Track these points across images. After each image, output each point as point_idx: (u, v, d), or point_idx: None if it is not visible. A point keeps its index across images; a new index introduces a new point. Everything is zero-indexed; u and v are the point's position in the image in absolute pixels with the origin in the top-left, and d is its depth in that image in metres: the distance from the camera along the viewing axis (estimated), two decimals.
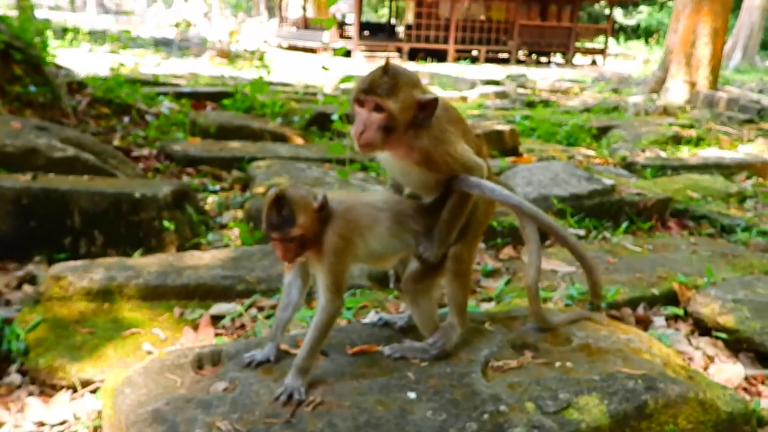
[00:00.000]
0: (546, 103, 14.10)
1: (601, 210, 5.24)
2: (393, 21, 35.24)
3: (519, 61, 30.12)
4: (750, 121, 11.68)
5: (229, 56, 19.11)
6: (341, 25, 31.05)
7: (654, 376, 2.25)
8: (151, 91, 9.42)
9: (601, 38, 33.93)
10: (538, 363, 2.32)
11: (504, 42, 30.35)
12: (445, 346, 2.29)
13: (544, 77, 21.27)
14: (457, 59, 28.45)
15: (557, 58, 32.13)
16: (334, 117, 4.75)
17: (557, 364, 2.31)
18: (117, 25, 29.72)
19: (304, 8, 33.93)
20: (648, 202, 5.36)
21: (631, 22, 46.54)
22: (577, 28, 32.00)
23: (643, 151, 8.78)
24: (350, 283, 3.39)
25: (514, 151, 7.76)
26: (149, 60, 14.30)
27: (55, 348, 2.79)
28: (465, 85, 16.97)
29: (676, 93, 13.86)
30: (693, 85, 13.84)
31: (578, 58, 32.82)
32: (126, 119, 7.53)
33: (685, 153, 9.00)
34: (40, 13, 20.16)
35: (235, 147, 6.45)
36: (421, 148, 2.12)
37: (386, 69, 2.04)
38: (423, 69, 22.01)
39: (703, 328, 3.34)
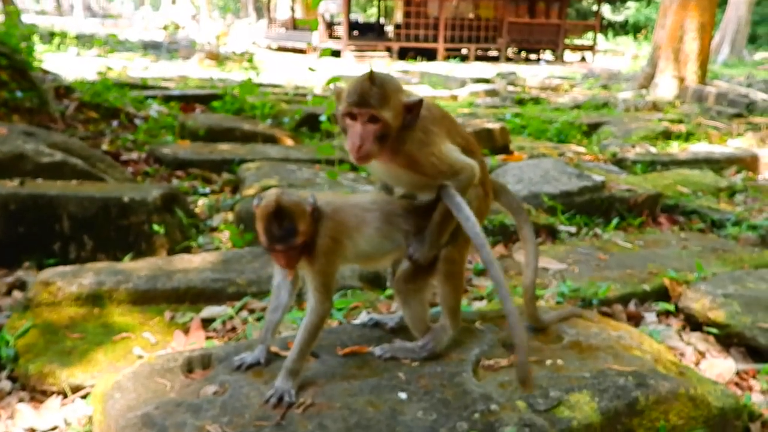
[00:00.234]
0: (536, 101, 14.12)
1: (592, 206, 5.26)
2: (382, 20, 35.23)
3: (509, 59, 30.16)
4: (739, 115, 11.73)
5: (218, 58, 19.06)
6: (330, 25, 30.99)
7: (644, 373, 2.26)
8: (139, 94, 9.40)
9: (590, 35, 34.02)
10: (529, 361, 2.32)
11: (493, 40, 30.38)
12: (435, 348, 2.28)
13: (534, 75, 21.30)
14: (447, 58, 28.46)
15: (547, 55, 32.20)
16: (323, 118, 4.75)
17: (548, 362, 2.32)
18: (104, 29, 29.57)
19: (292, 9, 33.90)
20: (638, 198, 5.38)
21: (619, 18, 46.69)
22: (566, 24, 32.07)
23: (633, 146, 8.81)
24: (341, 284, 3.38)
25: (505, 149, 7.77)
26: (138, 63, 14.25)
27: (45, 354, 2.77)
28: (455, 83, 16.97)
29: (665, 88, 13.89)
30: (682, 80, 13.87)
31: (567, 55, 32.89)
32: (114, 123, 7.49)
33: (675, 148, 9.03)
34: (26, 18, 20.06)
35: (225, 149, 6.43)
36: (406, 152, 2.11)
37: (373, 78, 2.02)
38: (413, 68, 22.04)
39: (694, 323, 3.35)
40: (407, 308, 2.30)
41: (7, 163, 4.56)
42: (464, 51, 29.57)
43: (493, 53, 30.97)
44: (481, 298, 3.51)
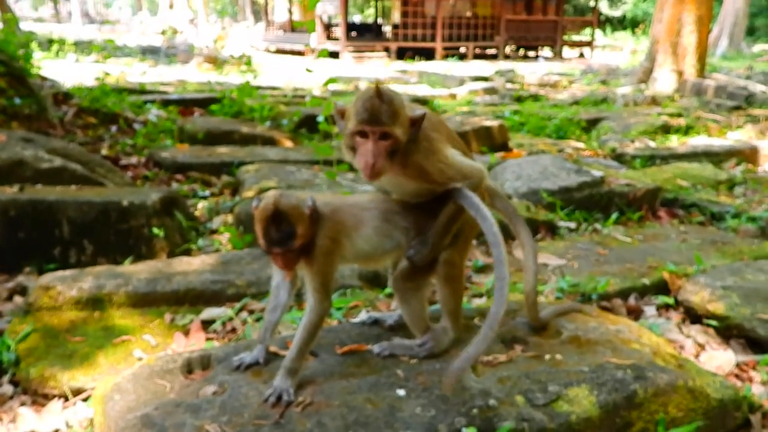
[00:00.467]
0: (535, 98, 14.12)
1: (591, 202, 5.26)
2: (380, 21, 35.23)
3: (507, 57, 30.16)
4: (738, 108, 11.73)
5: (217, 62, 19.07)
6: (328, 26, 31.00)
7: (643, 366, 2.26)
8: (138, 99, 9.41)
9: (588, 31, 34.00)
10: (528, 356, 2.33)
11: (491, 38, 30.37)
12: (434, 349, 2.29)
13: (533, 71, 21.32)
14: (445, 57, 28.46)
15: (545, 51, 32.20)
16: (320, 119, 4.76)
17: (547, 357, 2.32)
18: (101, 35, 29.60)
19: (290, 12, 33.90)
20: (637, 192, 5.38)
21: (617, 13, 46.64)
22: (564, 21, 32.06)
23: (633, 141, 8.81)
24: (341, 283, 3.39)
25: (504, 147, 7.77)
26: (136, 68, 14.27)
27: (45, 357, 2.79)
28: (454, 82, 16.97)
29: (663, 82, 13.89)
30: (680, 73, 13.87)
31: (566, 51, 32.88)
32: (113, 128, 7.51)
33: (675, 142, 9.03)
34: (25, 26, 20.08)
35: (224, 152, 6.44)
36: (414, 163, 2.11)
37: (381, 95, 2.00)
38: (411, 68, 22.04)
39: (693, 316, 3.35)
40: (406, 306, 2.30)
41: (6, 170, 4.57)
42: (462, 50, 29.56)
43: (491, 51, 30.96)
44: (481, 295, 3.51)
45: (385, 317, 2.54)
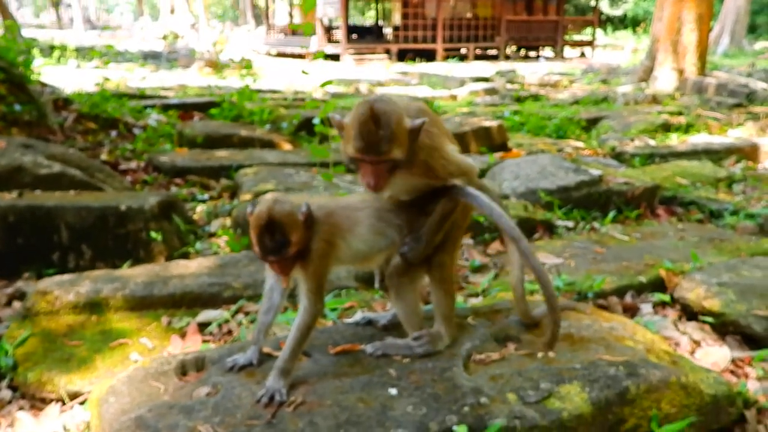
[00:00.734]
0: (535, 98, 14.14)
1: (589, 201, 5.26)
2: (381, 23, 35.26)
3: (508, 57, 30.16)
4: (739, 105, 11.72)
5: (218, 66, 19.12)
6: (329, 29, 31.03)
7: (635, 362, 2.26)
8: (138, 104, 9.44)
9: (589, 30, 33.98)
10: (521, 354, 2.34)
11: (492, 38, 30.38)
12: (427, 350, 2.29)
13: (534, 72, 21.32)
14: (446, 58, 28.47)
15: (546, 51, 32.19)
16: (316, 121, 4.78)
17: (539, 354, 2.33)
18: (102, 40, 29.67)
19: (290, 15, 33.97)
20: (636, 190, 5.38)
21: (617, 12, 46.59)
22: (564, 21, 32.05)
23: (632, 140, 8.81)
24: (336, 284, 3.41)
25: (503, 147, 7.78)
26: (137, 74, 14.30)
27: (43, 362, 2.80)
28: (454, 83, 16.99)
29: (664, 81, 13.88)
30: (681, 72, 13.85)
31: (567, 51, 32.86)
32: (113, 133, 7.54)
33: (675, 140, 9.03)
34: (26, 32, 20.15)
35: (223, 155, 6.46)
36: (420, 162, 2.12)
37: (376, 119, 1.97)
38: (412, 69, 22.06)
39: (689, 313, 3.35)
40: (401, 301, 2.31)
41: (5, 176, 4.60)
42: (463, 50, 29.58)
43: (492, 52, 30.97)
44: (477, 295, 3.52)
45: (378, 318, 2.55)
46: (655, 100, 12.49)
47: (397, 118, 2.02)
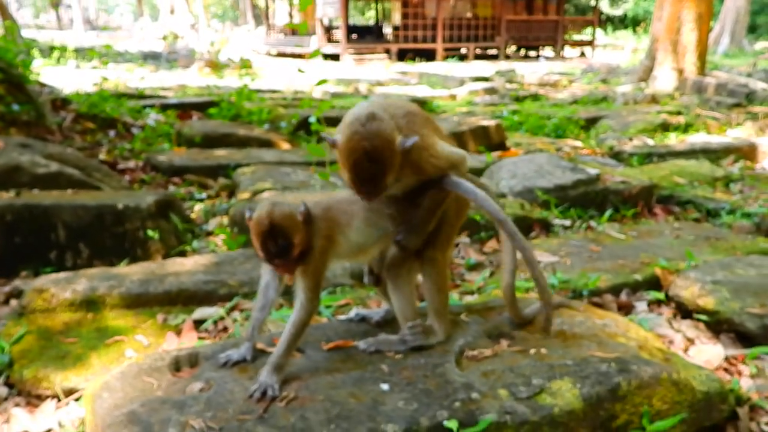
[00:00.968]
0: (535, 97, 14.14)
1: (586, 199, 5.28)
2: (380, 23, 35.26)
3: (508, 57, 30.16)
4: (738, 105, 11.73)
5: (217, 66, 19.13)
6: (329, 29, 31.04)
7: (627, 359, 2.27)
8: (137, 104, 9.46)
9: (589, 30, 33.98)
10: (513, 351, 2.35)
11: (492, 38, 30.38)
12: (420, 343, 2.30)
13: (533, 71, 21.32)
14: (446, 58, 28.48)
15: (546, 51, 32.19)
16: (312, 119, 4.78)
17: (532, 351, 2.34)
18: (101, 41, 29.67)
19: (290, 15, 33.97)
20: (632, 189, 5.39)
21: (618, 12, 46.59)
22: (564, 20, 32.04)
23: (631, 139, 8.82)
24: (332, 282, 3.42)
25: (501, 146, 7.79)
26: (137, 74, 14.31)
27: (39, 359, 2.81)
28: (454, 83, 17.00)
29: (664, 81, 13.89)
30: (680, 72, 13.86)
31: (567, 51, 32.87)
32: (112, 133, 7.55)
33: (673, 140, 9.03)
34: (26, 33, 20.17)
35: (221, 155, 6.47)
36: (409, 162, 2.13)
37: (368, 153, 1.98)
38: (412, 69, 22.06)
39: (684, 311, 3.36)
40: (397, 292, 2.33)
41: (3, 175, 4.61)
42: (463, 50, 29.58)
43: (492, 52, 30.97)
44: (472, 293, 3.53)
45: (372, 314, 2.57)
46: (654, 99, 12.49)
47: (389, 146, 2.02)
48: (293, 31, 32.37)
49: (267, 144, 7.27)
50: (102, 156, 6.50)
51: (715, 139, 8.56)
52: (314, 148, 4.63)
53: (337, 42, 29.24)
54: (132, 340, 2.96)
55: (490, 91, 14.86)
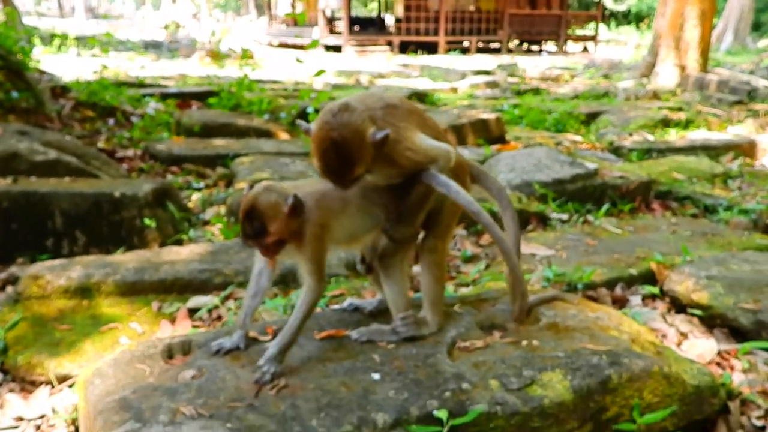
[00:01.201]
0: (536, 91, 14.10)
1: (584, 194, 5.27)
2: (383, 15, 35.17)
3: (510, 51, 30.08)
4: (740, 102, 11.71)
5: (218, 56, 19.08)
6: (331, 21, 30.95)
7: (618, 352, 2.28)
8: (136, 93, 9.44)
9: (592, 25, 33.89)
10: (505, 342, 2.35)
11: (494, 32, 30.30)
12: (412, 334, 2.31)
13: (535, 65, 21.27)
14: (448, 51, 28.40)
15: (549, 46, 32.12)
16: (310, 110, 4.78)
17: (524, 342, 2.34)
18: (101, 29, 29.61)
19: (293, 6, 33.87)
20: (631, 184, 5.39)
21: (621, 7, 46.47)
22: (567, 15, 31.94)
23: (631, 135, 8.81)
24: (327, 272, 3.41)
25: (501, 140, 7.77)
26: (138, 62, 14.29)
27: (33, 345, 2.82)
28: (455, 76, 16.95)
29: (666, 77, 13.86)
30: (683, 68, 13.83)
31: (570, 46, 32.79)
32: (111, 121, 7.55)
33: (673, 136, 9.02)
34: (28, 20, 20.12)
35: (220, 144, 6.47)
36: (384, 155, 2.13)
37: (335, 146, 2.00)
38: (413, 62, 22.00)
39: (678, 305, 3.36)
40: (389, 282, 2.34)
41: (0, 162, 4.61)
42: (465, 43, 29.51)
43: (494, 45, 30.90)
44: (467, 285, 3.53)
45: (365, 304, 2.57)
46: (655, 95, 12.47)
47: (357, 137, 2.02)
48: (295, 21, 32.29)
49: (266, 134, 7.27)
50: (101, 144, 6.50)
51: (716, 136, 8.55)
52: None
53: (339, 33, 29.16)
54: (126, 328, 2.97)
55: (492, 84, 14.82)
